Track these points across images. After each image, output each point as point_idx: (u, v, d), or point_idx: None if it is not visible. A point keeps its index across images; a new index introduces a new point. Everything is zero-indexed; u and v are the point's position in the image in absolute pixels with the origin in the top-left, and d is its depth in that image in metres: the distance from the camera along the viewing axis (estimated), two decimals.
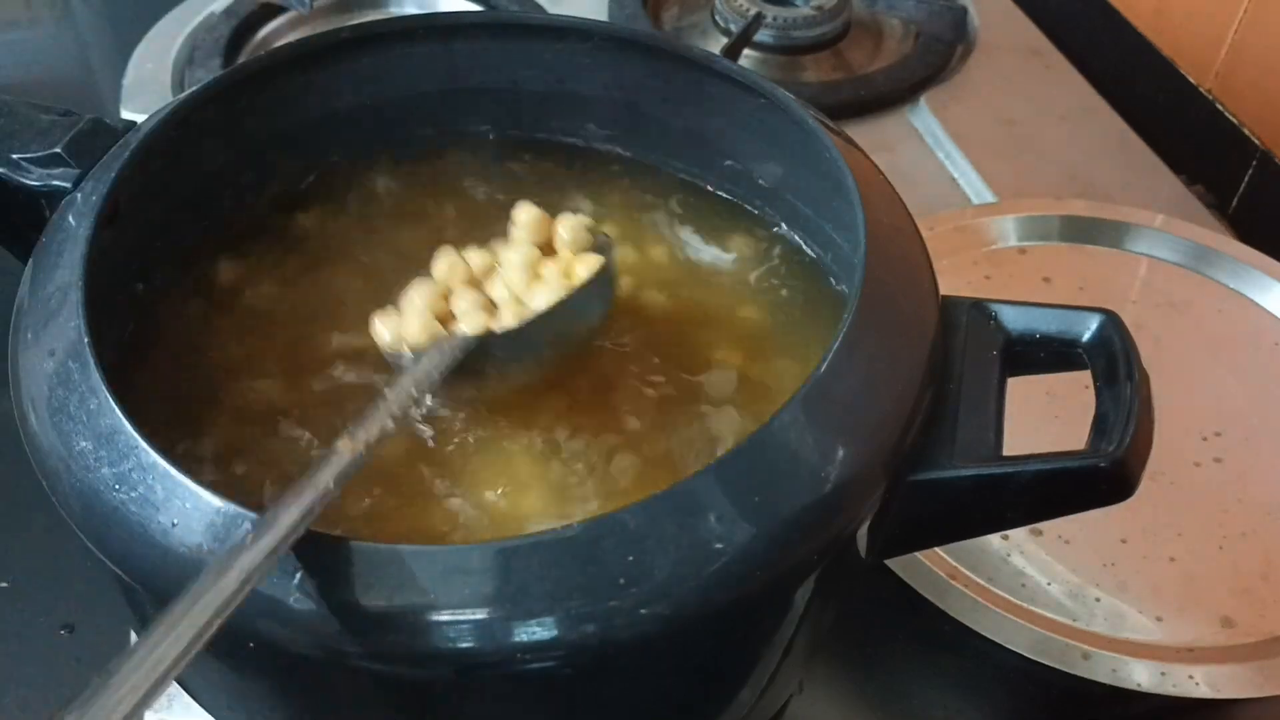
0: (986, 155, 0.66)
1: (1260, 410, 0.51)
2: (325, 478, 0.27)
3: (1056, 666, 0.41)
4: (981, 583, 0.44)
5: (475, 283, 0.34)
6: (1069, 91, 0.72)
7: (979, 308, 0.34)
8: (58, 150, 0.35)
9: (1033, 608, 0.43)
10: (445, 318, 0.34)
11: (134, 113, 0.64)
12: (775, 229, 0.40)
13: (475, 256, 0.35)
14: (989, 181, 0.64)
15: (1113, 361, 0.33)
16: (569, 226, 0.35)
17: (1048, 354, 0.34)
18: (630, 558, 0.26)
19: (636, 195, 0.42)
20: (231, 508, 0.26)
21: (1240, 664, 0.41)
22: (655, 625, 0.26)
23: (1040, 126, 0.69)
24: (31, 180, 0.35)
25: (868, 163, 0.36)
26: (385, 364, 0.34)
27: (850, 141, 0.37)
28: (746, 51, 0.69)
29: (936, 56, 0.72)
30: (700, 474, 0.27)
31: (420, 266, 0.35)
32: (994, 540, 0.45)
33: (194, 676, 0.32)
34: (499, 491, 0.33)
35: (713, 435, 0.34)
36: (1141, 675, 0.41)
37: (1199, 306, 0.55)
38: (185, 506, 0.27)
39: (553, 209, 0.36)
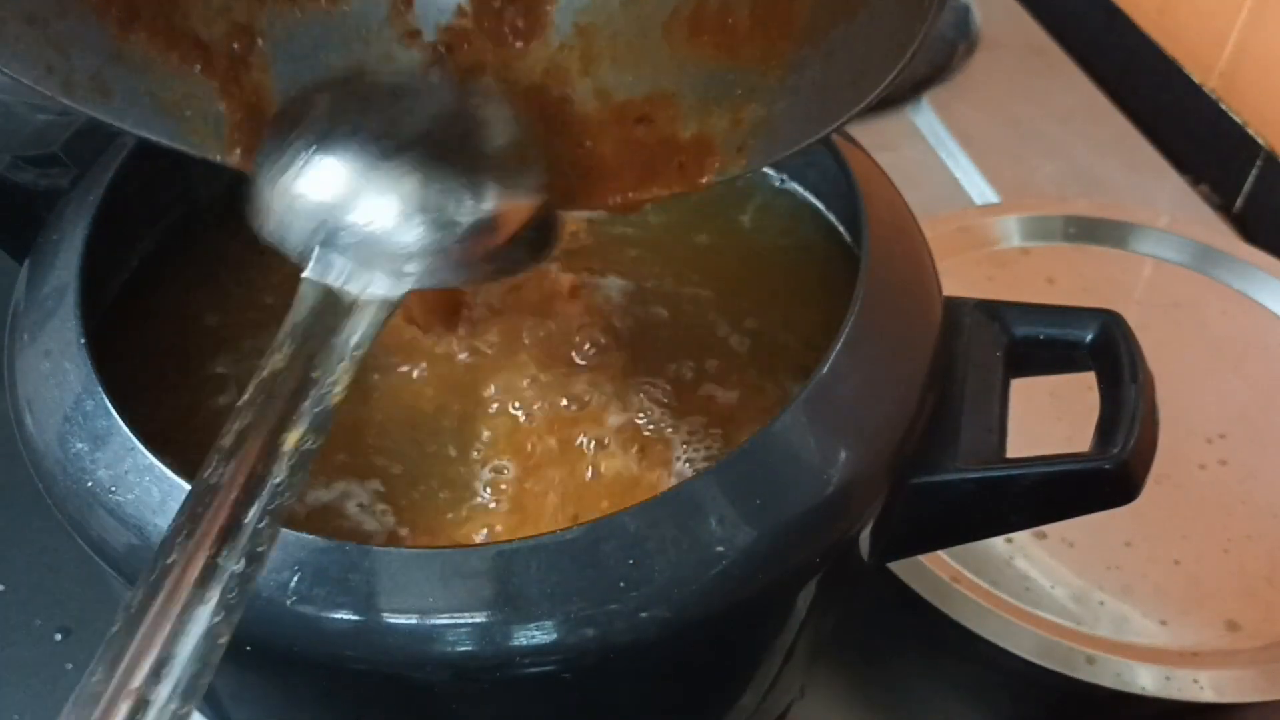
0: (989, 155, 0.66)
1: (1265, 412, 0.50)
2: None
3: (1060, 670, 0.41)
4: (985, 586, 0.43)
5: None
6: (1072, 91, 0.72)
7: (982, 308, 0.34)
8: (55, 150, 0.35)
9: (1036, 611, 0.43)
10: None
11: None
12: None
13: None
14: (992, 181, 0.64)
15: (1117, 363, 0.33)
16: None
17: (1051, 355, 0.34)
18: (631, 561, 0.26)
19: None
20: None
21: (1245, 668, 0.41)
22: (656, 629, 0.26)
23: (1043, 126, 0.68)
24: (28, 180, 0.35)
25: (870, 162, 0.36)
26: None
27: (852, 141, 0.37)
28: None
29: (939, 55, 0.72)
30: (701, 477, 0.27)
31: None
32: (997, 543, 0.45)
33: None
34: None
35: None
36: (1146, 679, 0.41)
37: (1203, 307, 0.55)
38: None
39: None
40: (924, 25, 0.23)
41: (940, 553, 0.44)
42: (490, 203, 0.27)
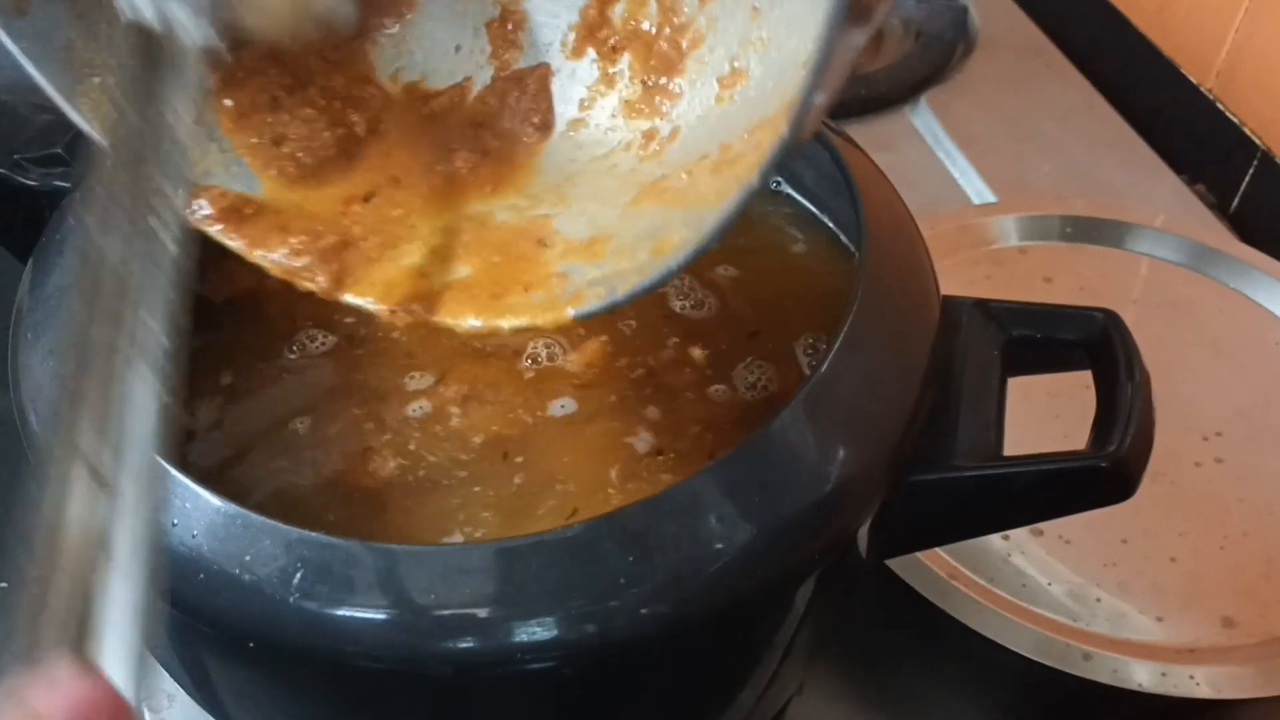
0: (987, 155, 0.66)
1: (1261, 410, 0.50)
2: None
3: (1057, 667, 0.41)
4: (982, 583, 0.43)
5: None
6: (1070, 91, 0.72)
7: (980, 307, 0.34)
8: (58, 150, 0.35)
9: (1033, 608, 0.43)
10: None
11: None
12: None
13: None
14: (989, 181, 0.64)
15: (1113, 361, 0.33)
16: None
17: (1048, 354, 0.34)
18: (630, 558, 0.26)
19: None
20: (231, 508, 0.26)
21: (1241, 665, 0.41)
22: (655, 626, 0.26)
23: (1041, 126, 0.69)
24: (32, 180, 0.35)
25: (868, 163, 0.36)
26: (387, 366, 0.34)
27: (850, 141, 0.37)
28: None
29: (937, 56, 0.72)
30: (701, 474, 0.27)
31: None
32: (995, 540, 0.45)
33: (192, 675, 0.32)
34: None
35: None
36: (1142, 676, 0.41)
37: (1200, 306, 0.55)
38: (185, 507, 0.27)
39: None
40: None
41: (938, 550, 0.44)
42: None
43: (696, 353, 0.36)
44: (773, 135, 0.24)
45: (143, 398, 0.22)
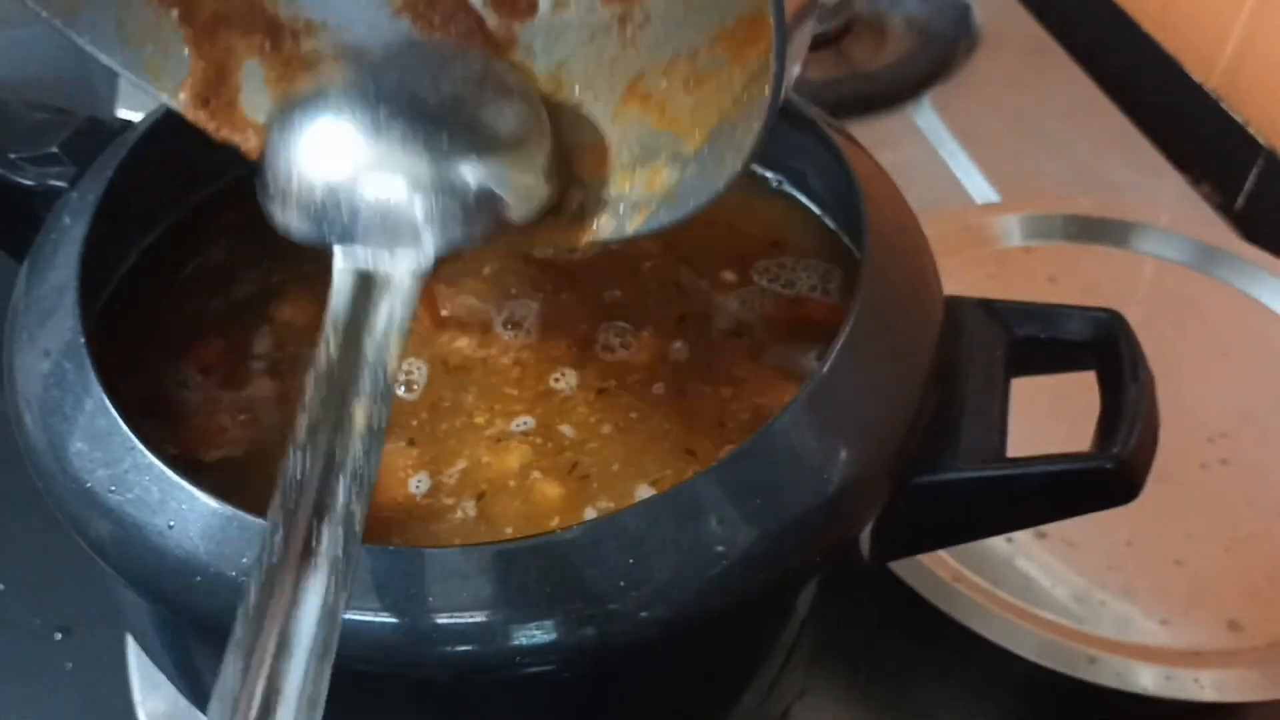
0: (990, 153, 0.66)
1: (1267, 411, 0.50)
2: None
3: (1061, 670, 0.41)
4: (986, 586, 0.43)
5: None
6: (1073, 89, 0.71)
7: (983, 307, 0.34)
8: (54, 149, 0.35)
9: (1037, 611, 0.43)
10: None
11: (130, 111, 0.64)
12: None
13: None
14: (993, 180, 0.64)
15: (1118, 362, 0.33)
16: None
17: (1052, 354, 0.34)
18: (630, 560, 0.26)
19: None
20: (228, 510, 0.26)
21: (1247, 668, 0.41)
22: (655, 629, 0.26)
23: (1044, 124, 0.68)
24: (27, 179, 0.35)
25: (870, 161, 0.36)
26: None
27: (852, 140, 0.36)
28: None
29: (939, 54, 0.72)
30: (702, 475, 0.27)
31: None
32: (998, 543, 0.45)
33: (188, 678, 0.32)
34: None
35: None
36: (1147, 679, 0.41)
37: (1205, 306, 0.55)
38: (181, 509, 0.27)
39: None
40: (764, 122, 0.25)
41: (941, 552, 0.44)
42: (494, 166, 0.28)
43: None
44: (735, 51, 0.27)
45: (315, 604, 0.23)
